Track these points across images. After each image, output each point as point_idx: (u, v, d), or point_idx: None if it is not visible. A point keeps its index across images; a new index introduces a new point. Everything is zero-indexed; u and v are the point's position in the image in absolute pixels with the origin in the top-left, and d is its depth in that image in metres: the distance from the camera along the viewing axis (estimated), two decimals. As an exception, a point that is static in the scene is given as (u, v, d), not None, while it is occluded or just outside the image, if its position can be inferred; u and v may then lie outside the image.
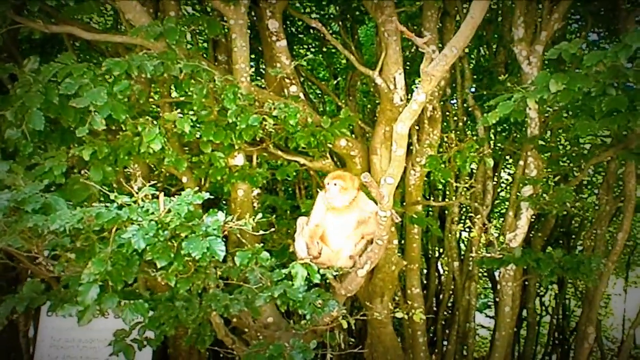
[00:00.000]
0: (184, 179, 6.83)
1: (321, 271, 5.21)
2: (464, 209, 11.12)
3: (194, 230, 4.37)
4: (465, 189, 9.28)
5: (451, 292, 10.87)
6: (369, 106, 11.05)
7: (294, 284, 4.96)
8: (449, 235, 10.14)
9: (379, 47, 9.21)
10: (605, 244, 9.73)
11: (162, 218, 4.33)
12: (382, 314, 7.29)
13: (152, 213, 4.35)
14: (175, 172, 6.79)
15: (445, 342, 11.12)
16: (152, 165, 7.33)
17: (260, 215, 4.94)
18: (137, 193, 4.48)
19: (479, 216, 8.61)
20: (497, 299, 11.57)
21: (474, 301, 10.17)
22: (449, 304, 11.48)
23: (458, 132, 8.72)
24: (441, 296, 11.51)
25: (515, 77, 9.23)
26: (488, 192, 9.33)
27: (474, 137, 8.05)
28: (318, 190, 8.92)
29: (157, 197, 4.49)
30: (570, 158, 8.82)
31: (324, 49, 10.80)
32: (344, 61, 11.04)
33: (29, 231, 4.49)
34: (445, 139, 7.74)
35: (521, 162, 8.20)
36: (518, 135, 8.89)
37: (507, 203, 10.83)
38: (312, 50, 11.14)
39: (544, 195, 7.58)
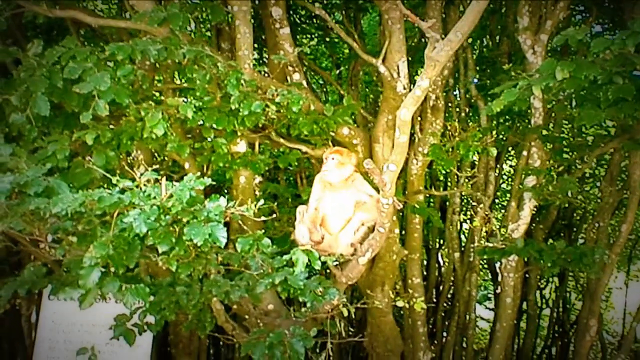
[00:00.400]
0: (186, 165, 6.83)
1: (322, 258, 5.21)
2: (465, 200, 11.11)
3: (195, 215, 4.37)
4: (467, 179, 9.31)
5: (451, 283, 10.90)
6: (371, 96, 11.04)
7: (295, 270, 4.97)
8: (450, 226, 10.16)
9: (382, 37, 9.23)
10: (607, 236, 9.72)
11: (164, 203, 4.33)
12: (383, 303, 7.30)
13: (154, 198, 4.36)
14: (178, 158, 6.81)
15: (444, 333, 11.14)
16: (155, 152, 7.33)
17: (262, 201, 4.95)
18: (139, 178, 4.49)
19: (481, 206, 8.64)
20: (498, 291, 11.62)
21: (475, 292, 10.19)
22: (449, 295, 11.50)
23: (460, 122, 8.67)
24: (441, 287, 11.52)
25: (519, 67, 9.20)
26: (490, 182, 9.31)
27: (478, 127, 8.01)
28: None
29: (159, 182, 4.50)
30: (574, 149, 8.79)
31: (327, 39, 10.83)
32: (346, 51, 11.05)
33: (31, 214, 4.50)
34: (449, 128, 7.73)
35: (524, 153, 8.21)
36: (521, 126, 8.84)
37: (508, 195, 10.84)
38: (316, 39, 11.11)
39: (549, 187, 7.58)
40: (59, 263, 5.20)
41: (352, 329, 9.96)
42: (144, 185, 4.49)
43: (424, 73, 4.97)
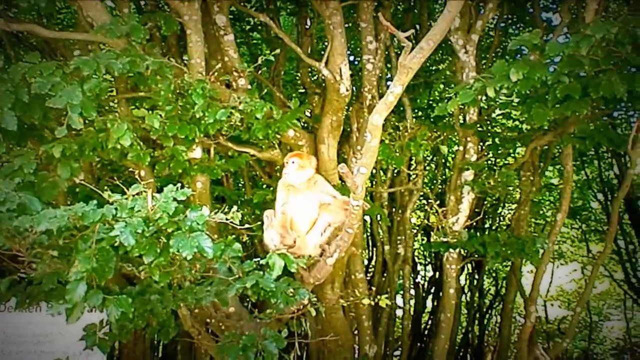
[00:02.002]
0: (142, 173, 6.84)
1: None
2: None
3: (179, 226, 4.45)
4: (395, 175, 9.63)
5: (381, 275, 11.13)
6: (294, 95, 11.19)
7: (271, 274, 5.05)
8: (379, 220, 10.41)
9: (302, 37, 9.47)
10: (527, 224, 10.14)
11: (150, 215, 4.40)
12: (333, 300, 7.49)
13: (139, 210, 4.41)
14: (134, 166, 6.82)
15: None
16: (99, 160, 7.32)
17: (235, 208, 5.04)
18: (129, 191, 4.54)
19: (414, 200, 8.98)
20: (417, 281, 11.94)
21: (408, 284, 10.49)
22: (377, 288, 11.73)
23: (389, 121, 8.88)
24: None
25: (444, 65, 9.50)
26: (419, 176, 9.60)
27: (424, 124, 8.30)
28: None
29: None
30: (508, 143, 9.12)
31: (246, 41, 11.01)
32: (267, 52, 11.16)
33: (13, 230, 4.49)
34: (400, 128, 7.99)
35: (461, 148, 8.49)
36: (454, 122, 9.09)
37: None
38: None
39: (490, 180, 7.88)
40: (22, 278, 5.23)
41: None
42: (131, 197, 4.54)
43: (396, 80, 5.09)
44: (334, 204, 6.05)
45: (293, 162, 6.03)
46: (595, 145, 10.25)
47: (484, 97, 6.25)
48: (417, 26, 9.86)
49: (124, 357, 8.79)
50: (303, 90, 10.64)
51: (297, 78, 11.35)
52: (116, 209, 4.39)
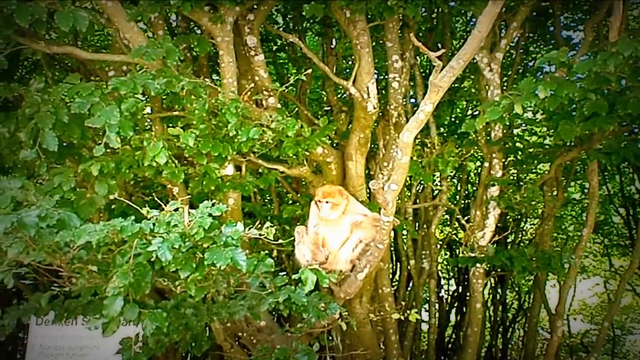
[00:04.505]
0: (175, 190, 7.01)
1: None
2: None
3: (215, 241, 4.56)
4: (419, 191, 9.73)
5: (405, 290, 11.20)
6: (319, 112, 11.32)
7: (304, 288, 5.12)
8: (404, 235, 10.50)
9: (327, 56, 9.61)
10: (550, 239, 10.17)
11: (187, 230, 4.50)
12: (362, 314, 7.58)
13: (176, 225, 4.52)
14: (168, 183, 6.98)
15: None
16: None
17: (268, 223, 5.14)
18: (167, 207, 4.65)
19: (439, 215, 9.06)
20: (440, 295, 11.94)
21: (434, 298, 10.57)
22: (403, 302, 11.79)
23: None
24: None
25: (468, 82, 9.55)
26: (443, 192, 9.72)
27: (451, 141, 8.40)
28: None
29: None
30: (533, 159, 9.19)
31: (273, 60, 11.16)
32: (294, 71, 11.33)
33: (54, 245, 4.62)
34: (428, 144, 8.10)
35: (486, 164, 8.61)
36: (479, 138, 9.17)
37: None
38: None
39: (516, 195, 7.95)
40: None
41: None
42: (168, 213, 4.64)
43: (427, 98, 5.13)
44: (365, 221, 6.17)
45: (327, 202, 6.15)
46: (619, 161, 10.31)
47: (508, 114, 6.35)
48: (439, 45, 9.99)
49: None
50: (328, 108, 10.76)
51: (323, 96, 11.48)
52: (154, 224, 4.50)
